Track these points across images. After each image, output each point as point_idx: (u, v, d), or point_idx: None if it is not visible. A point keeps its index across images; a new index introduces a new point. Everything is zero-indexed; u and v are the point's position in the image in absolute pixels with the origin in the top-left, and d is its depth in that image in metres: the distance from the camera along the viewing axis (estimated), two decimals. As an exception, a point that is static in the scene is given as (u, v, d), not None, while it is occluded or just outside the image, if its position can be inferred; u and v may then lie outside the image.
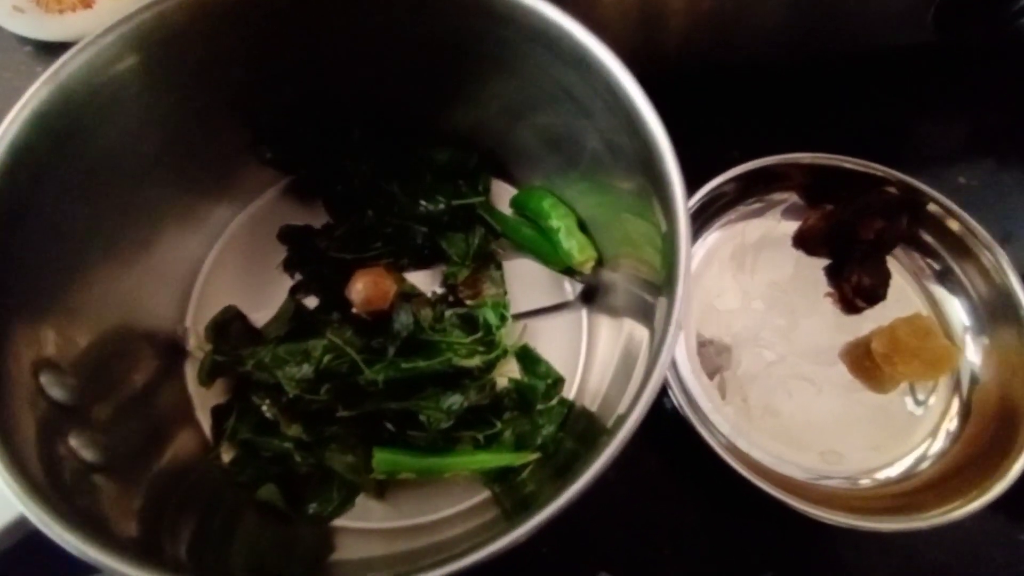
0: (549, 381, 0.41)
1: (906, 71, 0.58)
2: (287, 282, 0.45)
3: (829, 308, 0.51)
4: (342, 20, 0.37)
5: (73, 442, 0.29)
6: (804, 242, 0.52)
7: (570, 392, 0.43)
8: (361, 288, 0.39)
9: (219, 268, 0.45)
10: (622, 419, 0.27)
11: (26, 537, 0.26)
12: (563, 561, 0.44)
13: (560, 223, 0.42)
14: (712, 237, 0.52)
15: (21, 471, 0.25)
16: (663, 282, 0.29)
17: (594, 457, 0.26)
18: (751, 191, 0.52)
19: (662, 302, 0.29)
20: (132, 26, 0.32)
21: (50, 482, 0.27)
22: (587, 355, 0.44)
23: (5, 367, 0.28)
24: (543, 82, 0.36)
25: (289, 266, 0.45)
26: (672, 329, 0.27)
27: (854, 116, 0.58)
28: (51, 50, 0.58)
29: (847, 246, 0.51)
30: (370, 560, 0.36)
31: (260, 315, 0.43)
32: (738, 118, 0.57)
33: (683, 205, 0.29)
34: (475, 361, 0.38)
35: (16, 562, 0.29)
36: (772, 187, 0.52)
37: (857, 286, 0.50)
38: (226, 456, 0.40)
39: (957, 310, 0.49)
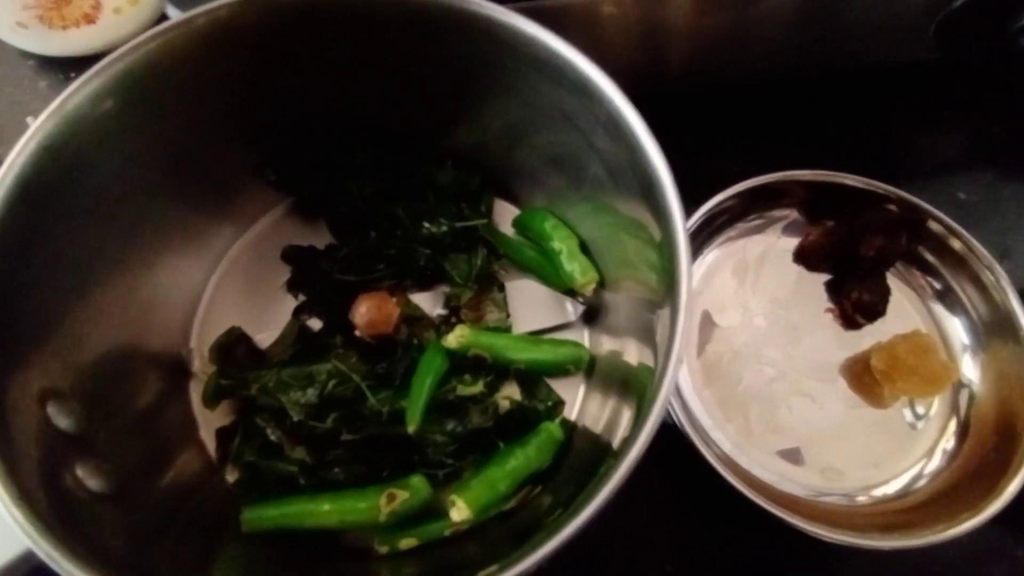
0: (549, 403, 0.42)
1: (907, 88, 0.59)
2: (291, 302, 0.45)
3: (830, 324, 0.51)
4: (346, 44, 0.38)
5: (80, 472, 0.30)
6: (805, 258, 0.53)
7: (571, 413, 0.43)
8: (365, 311, 0.39)
9: (223, 289, 0.46)
10: (628, 441, 0.27)
11: (32, 570, 0.26)
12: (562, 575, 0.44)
13: (562, 245, 0.43)
14: (713, 253, 0.52)
15: (27, 504, 0.26)
16: (663, 306, 0.29)
17: (606, 478, 0.26)
18: (752, 208, 0.52)
19: (663, 326, 0.29)
20: (136, 56, 0.32)
21: (56, 514, 0.27)
22: (589, 376, 0.44)
23: (11, 398, 0.29)
24: (546, 107, 0.37)
25: (293, 287, 0.46)
26: (674, 357, 0.27)
27: (855, 132, 0.58)
28: (54, 65, 0.59)
29: (848, 262, 0.51)
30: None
31: (264, 336, 0.44)
32: (739, 135, 0.57)
33: (683, 232, 0.29)
34: (478, 388, 0.38)
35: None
36: (773, 203, 0.52)
37: (857, 302, 0.50)
38: (230, 477, 0.40)
39: (956, 328, 0.49)
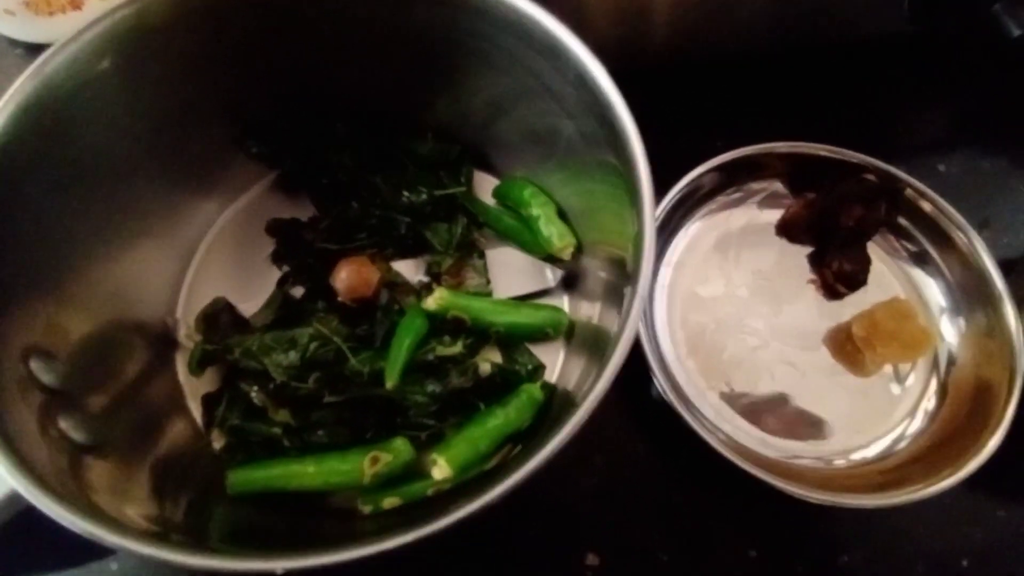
0: (530, 367, 0.42)
1: (888, 62, 0.59)
2: (275, 274, 0.46)
3: (812, 294, 0.51)
4: (323, 15, 0.38)
5: (63, 424, 0.30)
6: (787, 230, 0.53)
7: (552, 376, 0.43)
8: (345, 276, 0.40)
9: (209, 260, 0.46)
10: (584, 396, 0.28)
11: (23, 516, 0.27)
12: (552, 543, 0.44)
13: (540, 211, 0.43)
14: (696, 226, 0.52)
15: (11, 449, 0.26)
16: (632, 269, 0.30)
17: (558, 429, 0.27)
18: (734, 180, 0.53)
19: (629, 288, 0.29)
20: (114, 21, 0.33)
21: (43, 460, 0.27)
22: (568, 340, 0.44)
23: (-5, 350, 0.29)
24: (518, 72, 0.37)
25: (277, 258, 0.46)
26: (635, 309, 0.28)
27: (838, 107, 0.58)
28: (41, 52, 0.59)
29: (828, 233, 0.51)
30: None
31: (249, 306, 0.44)
32: (721, 109, 0.58)
33: (649, 193, 0.30)
34: (457, 348, 0.39)
35: (16, 542, 0.30)
36: (755, 176, 0.53)
37: (838, 272, 0.51)
38: (217, 443, 0.41)
39: (934, 292, 0.50)
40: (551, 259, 0.45)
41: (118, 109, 0.36)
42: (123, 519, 0.29)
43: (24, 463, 0.26)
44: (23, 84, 0.31)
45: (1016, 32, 0.50)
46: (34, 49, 0.59)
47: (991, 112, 0.59)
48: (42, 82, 0.32)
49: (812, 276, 0.52)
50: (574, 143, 0.37)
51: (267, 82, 0.42)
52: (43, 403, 0.31)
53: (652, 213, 0.30)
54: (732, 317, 0.50)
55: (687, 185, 0.49)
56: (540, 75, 0.36)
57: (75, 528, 0.26)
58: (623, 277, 0.33)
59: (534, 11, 0.33)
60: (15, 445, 0.27)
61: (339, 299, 0.41)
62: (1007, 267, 0.47)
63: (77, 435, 0.31)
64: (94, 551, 0.43)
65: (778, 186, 0.53)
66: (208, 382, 0.43)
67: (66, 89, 0.33)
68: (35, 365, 0.31)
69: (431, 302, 0.40)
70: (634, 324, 0.28)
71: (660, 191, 0.48)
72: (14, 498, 0.26)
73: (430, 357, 0.39)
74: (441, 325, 0.41)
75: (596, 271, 0.42)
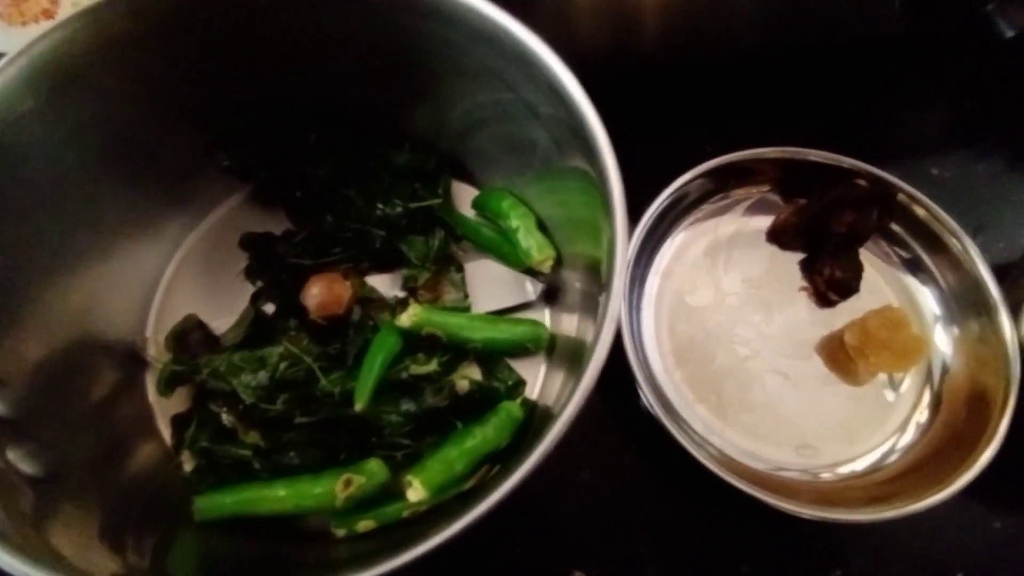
0: (510, 383, 0.41)
1: (880, 65, 0.58)
2: (249, 289, 0.45)
3: (804, 302, 0.50)
4: (292, 20, 0.37)
5: (11, 455, 0.29)
6: (778, 236, 0.52)
7: (533, 392, 0.42)
8: (316, 293, 0.39)
9: (180, 277, 0.45)
10: (561, 410, 0.27)
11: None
12: (538, 560, 0.44)
13: (519, 223, 0.42)
14: (684, 233, 0.51)
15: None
16: (606, 277, 0.29)
17: (535, 447, 0.26)
18: (724, 186, 0.52)
19: (603, 296, 0.28)
20: (70, 31, 0.32)
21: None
22: (550, 355, 0.43)
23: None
24: (493, 82, 0.36)
25: (250, 273, 0.45)
26: (609, 318, 0.27)
27: (828, 109, 0.58)
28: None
29: (820, 240, 0.50)
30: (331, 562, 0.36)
31: (221, 323, 0.43)
32: (710, 113, 0.57)
33: (620, 196, 0.29)
34: (432, 367, 0.38)
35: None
36: (745, 182, 0.52)
37: (830, 279, 0.50)
38: (187, 466, 0.40)
39: (928, 300, 0.49)
40: (531, 272, 0.44)
41: (75, 123, 0.34)
42: (83, 565, 0.28)
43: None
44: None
45: (1009, 33, 0.49)
46: (8, 60, 0.58)
47: (985, 115, 0.58)
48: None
49: (804, 284, 0.51)
50: (550, 153, 0.37)
51: (237, 92, 0.41)
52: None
53: (624, 220, 0.29)
54: (722, 326, 0.49)
55: (675, 191, 0.48)
56: (514, 85, 0.35)
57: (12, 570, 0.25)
58: (597, 287, 0.32)
59: (505, 21, 0.32)
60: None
61: (310, 317, 0.40)
62: (1002, 272, 0.46)
63: (28, 466, 0.30)
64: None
65: (768, 192, 0.52)
66: (179, 402, 0.42)
67: (17, 103, 0.32)
68: (-15, 394, 0.30)
69: (404, 319, 0.39)
70: (608, 335, 0.28)
71: (648, 198, 0.47)
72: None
73: (404, 376, 0.38)
74: (416, 342, 0.40)
75: (576, 283, 0.41)
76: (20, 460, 0.29)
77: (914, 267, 0.50)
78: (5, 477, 0.29)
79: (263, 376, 0.36)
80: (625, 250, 0.28)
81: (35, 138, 0.33)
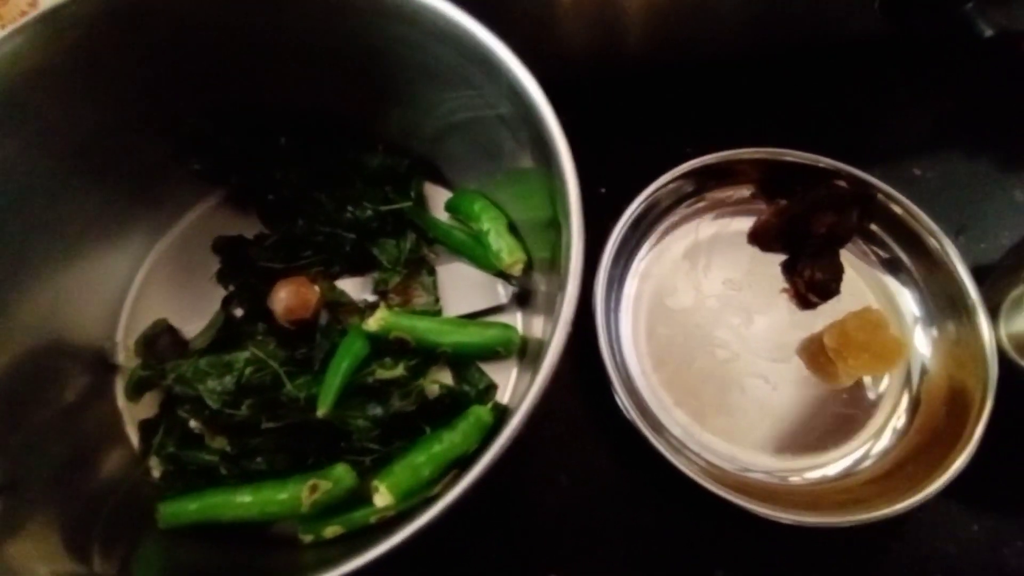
0: (481, 387, 0.41)
1: (861, 64, 0.58)
2: (221, 294, 0.45)
3: (785, 304, 0.50)
4: (257, 23, 0.37)
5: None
6: (758, 238, 0.52)
7: (504, 396, 0.42)
8: (284, 297, 0.39)
9: (152, 282, 0.45)
10: (512, 414, 0.27)
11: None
12: (514, 563, 0.43)
13: (490, 225, 0.42)
14: (663, 235, 0.51)
15: None
16: (562, 273, 0.29)
17: (491, 445, 0.26)
18: (704, 187, 0.52)
19: (559, 299, 0.28)
20: (33, 32, 0.32)
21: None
22: (521, 358, 0.43)
23: None
24: (459, 84, 0.36)
25: (222, 278, 0.45)
26: (564, 316, 0.27)
27: (809, 111, 0.57)
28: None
29: (800, 241, 0.50)
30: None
31: (194, 327, 0.43)
32: (690, 114, 0.57)
33: (576, 199, 0.30)
34: (399, 371, 0.38)
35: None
36: (725, 183, 0.52)
37: (810, 281, 0.49)
38: (155, 471, 0.40)
39: (908, 301, 0.49)
40: (503, 275, 0.44)
41: (37, 124, 0.34)
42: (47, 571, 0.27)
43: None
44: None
45: (988, 32, 0.48)
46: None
47: (967, 115, 0.58)
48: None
49: (784, 286, 0.51)
50: (516, 155, 0.36)
51: (205, 93, 0.41)
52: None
53: (580, 220, 0.29)
54: (701, 329, 0.49)
55: (654, 192, 0.48)
56: (479, 87, 0.35)
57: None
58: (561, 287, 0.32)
59: (465, 21, 0.32)
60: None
61: (278, 321, 0.40)
62: (983, 274, 0.46)
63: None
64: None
65: (749, 193, 0.52)
66: (148, 407, 0.42)
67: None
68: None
69: (372, 323, 0.38)
70: (562, 336, 0.28)
71: (627, 199, 0.47)
72: None
73: (370, 380, 0.38)
74: (384, 346, 0.39)
75: (546, 287, 0.40)
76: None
77: (894, 268, 0.49)
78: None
79: (229, 381, 0.36)
80: (581, 251, 0.28)
81: (21, 113, 0.33)
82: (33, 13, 0.55)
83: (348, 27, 0.36)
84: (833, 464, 0.45)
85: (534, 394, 0.26)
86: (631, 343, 0.48)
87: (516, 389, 0.42)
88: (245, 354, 0.37)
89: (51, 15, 0.31)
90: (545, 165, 0.32)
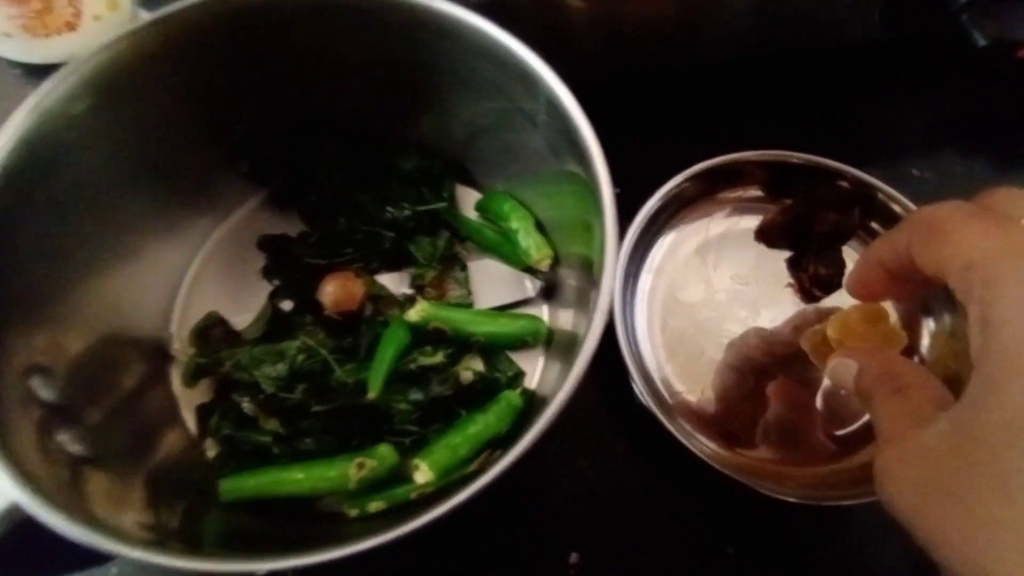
0: (510, 374, 0.44)
1: (862, 69, 0.60)
2: (266, 288, 0.48)
3: (789, 298, 0.52)
4: (309, 41, 0.40)
5: (61, 438, 0.32)
6: (764, 235, 0.54)
7: (531, 383, 0.45)
8: (331, 291, 0.42)
9: (202, 276, 0.48)
10: (551, 399, 0.30)
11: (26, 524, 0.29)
12: (537, 542, 0.46)
13: (519, 224, 0.45)
14: (676, 232, 0.54)
15: (14, 462, 0.28)
16: (596, 274, 0.32)
17: (529, 429, 0.29)
18: (713, 187, 0.54)
19: (595, 292, 0.31)
20: (108, 55, 0.35)
21: (42, 472, 0.29)
22: (548, 348, 0.46)
23: (-3, 370, 0.31)
24: (494, 95, 0.39)
25: (268, 273, 0.48)
26: (599, 312, 0.29)
27: (814, 113, 0.59)
28: (39, 72, 0.60)
29: (805, 239, 0.53)
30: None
31: (241, 319, 0.46)
32: (700, 117, 0.59)
33: (610, 199, 0.32)
34: (439, 358, 0.41)
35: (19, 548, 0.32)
36: (734, 183, 0.54)
37: (814, 276, 0.51)
38: (211, 452, 0.43)
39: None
40: (530, 270, 0.47)
41: (112, 136, 0.37)
42: (120, 527, 0.31)
43: (26, 476, 0.28)
44: (22, 118, 0.33)
45: (982, 42, 0.51)
46: (31, 69, 0.61)
47: (964, 118, 0.60)
48: (39, 115, 0.34)
49: (789, 280, 0.53)
50: (546, 158, 0.39)
51: (254, 104, 0.44)
52: (42, 418, 0.32)
53: (614, 221, 0.32)
54: (711, 321, 0.51)
55: (667, 193, 0.50)
56: (514, 98, 0.38)
57: (74, 537, 0.28)
58: (590, 285, 0.35)
59: (509, 41, 0.35)
60: (18, 459, 0.28)
61: (325, 313, 0.43)
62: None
63: (75, 448, 0.33)
64: (94, 558, 0.45)
65: (756, 193, 0.55)
66: (201, 393, 0.44)
67: (63, 119, 0.34)
68: (34, 382, 0.33)
69: (413, 314, 0.41)
70: (598, 327, 0.30)
71: (641, 199, 0.49)
72: (14, 510, 0.28)
73: (412, 367, 0.41)
74: (423, 336, 0.42)
75: (572, 281, 0.43)
76: (68, 442, 0.32)
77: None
78: (55, 456, 0.32)
79: (282, 368, 0.39)
80: (615, 249, 0.31)
81: (87, 140, 0.36)
82: (89, 25, 0.58)
83: (394, 43, 0.39)
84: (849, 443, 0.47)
85: (572, 379, 0.29)
86: (646, 335, 0.50)
87: (543, 376, 0.45)
88: (296, 343, 0.40)
89: (137, 33, 0.34)
90: (578, 170, 0.34)
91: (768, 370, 0.49)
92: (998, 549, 0.20)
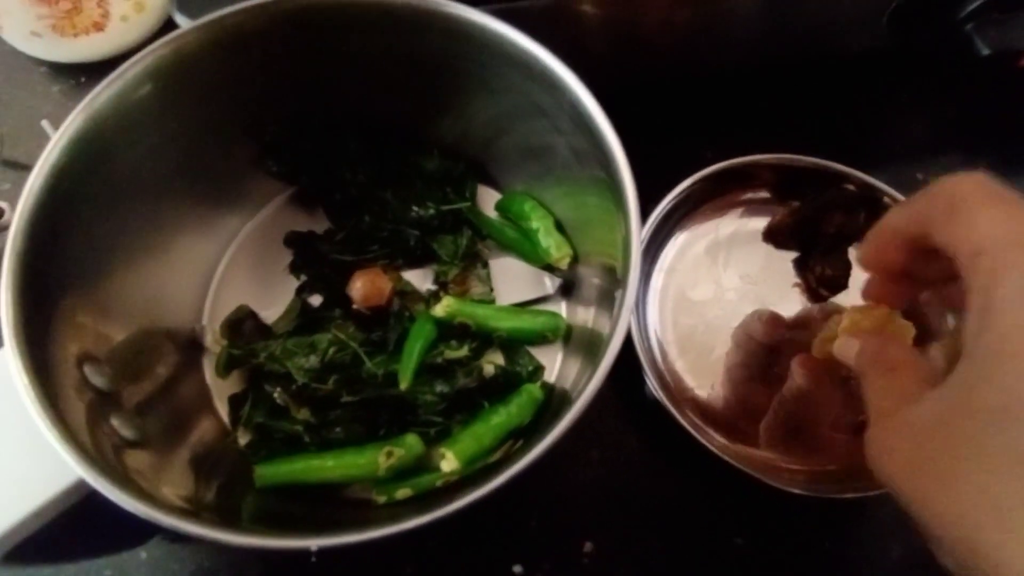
0: (530, 368, 0.46)
1: (869, 76, 0.62)
2: (293, 283, 0.49)
3: (797, 297, 0.54)
4: (339, 45, 0.42)
5: (114, 422, 0.34)
6: (773, 236, 0.56)
7: (551, 377, 0.47)
8: (360, 286, 0.44)
9: (232, 271, 0.50)
10: (580, 393, 0.31)
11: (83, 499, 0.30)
12: (552, 531, 0.47)
13: (539, 224, 0.47)
14: (687, 233, 0.55)
15: (75, 442, 0.30)
16: (621, 274, 0.34)
17: (556, 423, 0.31)
18: (723, 190, 0.55)
19: (619, 292, 0.33)
20: (152, 60, 0.36)
21: (97, 452, 0.31)
22: (566, 344, 0.48)
23: (56, 358, 0.33)
24: (517, 98, 0.41)
25: (295, 268, 0.50)
26: (624, 312, 0.31)
27: (821, 118, 0.61)
28: (65, 71, 0.62)
29: (812, 240, 0.54)
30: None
31: (269, 313, 0.48)
32: (711, 122, 0.60)
33: (635, 204, 0.33)
34: (464, 352, 0.42)
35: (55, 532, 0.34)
36: (743, 186, 0.56)
37: (821, 276, 0.53)
38: (243, 440, 0.44)
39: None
40: (549, 268, 0.49)
41: (153, 137, 0.39)
42: (165, 502, 0.32)
43: (88, 456, 0.30)
44: (75, 118, 0.35)
45: (986, 51, 0.53)
46: (58, 68, 0.62)
47: (967, 124, 0.62)
48: (90, 115, 0.35)
49: (797, 280, 0.55)
50: (568, 161, 0.41)
51: (285, 105, 0.45)
52: (95, 403, 0.34)
53: (638, 223, 0.33)
54: (720, 319, 0.53)
55: (679, 195, 0.52)
56: (538, 101, 0.39)
57: (131, 508, 0.29)
58: (614, 283, 0.36)
59: (534, 48, 0.36)
60: (79, 441, 0.30)
61: (354, 307, 0.45)
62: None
63: (125, 432, 0.35)
64: (126, 541, 0.46)
65: (765, 195, 0.56)
66: (233, 384, 0.46)
67: (111, 121, 0.36)
68: (87, 370, 0.35)
69: (439, 309, 0.43)
70: (624, 325, 0.32)
71: (653, 200, 0.51)
72: (81, 485, 0.29)
73: (439, 360, 0.42)
74: (449, 330, 0.44)
75: (591, 278, 0.45)
76: (121, 427, 0.34)
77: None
78: (106, 439, 0.33)
79: (314, 359, 0.41)
80: (639, 250, 0.32)
81: (137, 134, 0.38)
82: (116, 26, 0.60)
83: (420, 47, 0.40)
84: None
85: (600, 374, 0.31)
86: (658, 332, 0.52)
87: (561, 371, 0.47)
88: (328, 336, 0.42)
89: (171, 42, 0.36)
90: (601, 173, 0.36)
91: (773, 354, 0.50)
92: (984, 521, 0.21)
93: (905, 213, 0.30)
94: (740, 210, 0.56)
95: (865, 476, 0.45)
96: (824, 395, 0.46)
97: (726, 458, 0.44)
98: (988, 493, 0.21)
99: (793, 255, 0.55)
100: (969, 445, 0.22)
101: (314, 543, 0.30)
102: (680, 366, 0.51)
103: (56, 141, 0.34)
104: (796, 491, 0.44)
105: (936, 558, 0.25)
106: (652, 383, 0.46)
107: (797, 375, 0.43)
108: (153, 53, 0.36)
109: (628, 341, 0.47)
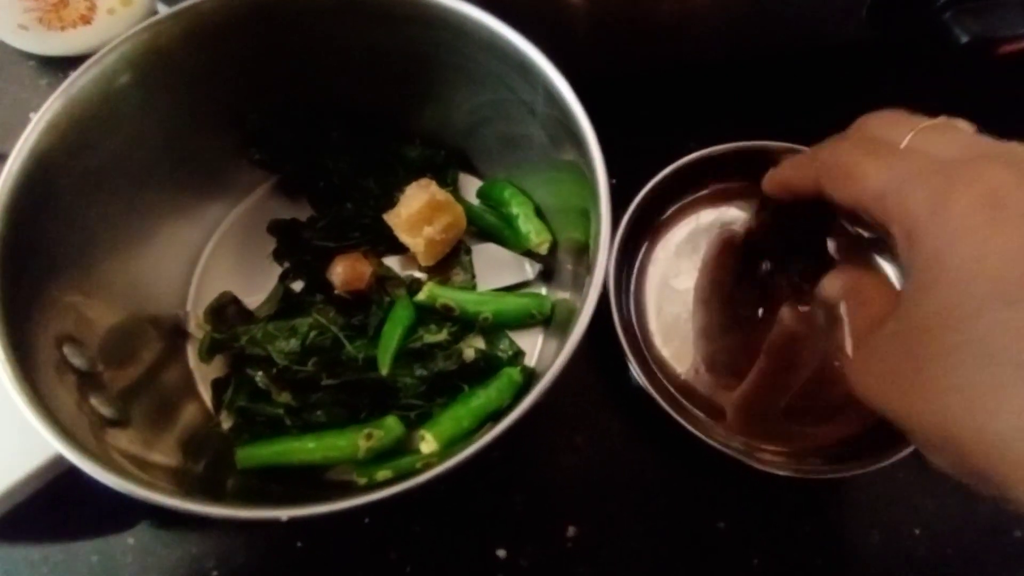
0: (511, 353, 0.46)
1: (848, 66, 0.62)
2: (277, 270, 0.50)
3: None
4: (318, 33, 0.42)
5: (94, 401, 0.35)
6: (755, 245, 0.56)
7: (531, 361, 0.48)
8: (340, 271, 0.44)
9: (215, 258, 0.50)
10: (542, 374, 0.32)
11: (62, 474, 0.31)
12: (535, 515, 0.48)
13: (519, 210, 0.47)
14: (669, 222, 0.55)
15: (54, 420, 0.31)
16: (592, 249, 0.34)
17: (523, 398, 0.31)
18: (704, 178, 0.56)
19: (588, 277, 0.33)
20: (131, 45, 0.37)
21: (77, 429, 0.32)
22: (546, 328, 0.49)
23: (35, 338, 0.34)
24: (495, 86, 0.41)
25: (278, 255, 0.50)
26: (591, 294, 0.32)
27: (802, 108, 0.60)
28: (53, 64, 0.63)
29: (789, 235, 0.54)
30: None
31: (253, 299, 0.48)
32: (694, 112, 0.61)
33: (605, 187, 0.34)
34: (443, 336, 0.43)
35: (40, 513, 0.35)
36: (721, 174, 0.56)
37: (804, 272, 0.53)
38: (226, 423, 0.45)
39: (892, 275, 0.52)
40: (530, 254, 0.49)
41: (134, 123, 0.40)
42: (147, 480, 0.33)
43: (65, 432, 0.30)
44: (52, 103, 0.35)
45: (964, 39, 0.53)
46: (46, 61, 0.63)
47: (948, 113, 0.62)
48: (69, 101, 0.36)
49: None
50: (545, 148, 0.41)
51: (267, 94, 0.46)
52: (76, 383, 0.35)
53: (608, 205, 0.34)
54: (702, 307, 0.53)
55: (659, 183, 0.52)
56: (514, 88, 0.40)
57: (108, 484, 0.30)
58: (586, 268, 0.37)
59: (508, 33, 0.37)
60: (57, 417, 0.31)
61: (335, 292, 0.45)
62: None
63: (105, 411, 0.35)
64: (113, 525, 0.47)
65: (742, 182, 0.56)
66: (216, 368, 0.47)
67: (89, 106, 0.37)
68: (68, 350, 0.35)
69: (420, 293, 0.44)
70: (590, 306, 0.32)
71: (635, 189, 0.51)
72: (57, 461, 0.30)
73: (418, 344, 0.43)
74: (427, 315, 0.45)
75: (568, 265, 0.46)
76: (100, 406, 0.35)
77: (879, 248, 0.54)
78: (88, 417, 0.34)
79: (295, 343, 0.42)
80: (608, 231, 0.33)
81: (116, 121, 0.39)
82: (103, 19, 0.60)
83: (399, 36, 0.41)
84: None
85: (567, 350, 0.31)
86: (642, 321, 0.53)
87: (541, 355, 0.48)
88: (308, 320, 0.43)
89: (149, 28, 0.36)
90: (575, 158, 0.37)
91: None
92: (952, 411, 0.23)
93: (798, 174, 0.36)
94: (719, 199, 0.57)
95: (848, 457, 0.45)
96: (808, 348, 0.48)
97: (708, 440, 0.44)
98: (957, 389, 0.23)
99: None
100: (927, 352, 0.24)
101: (284, 513, 0.30)
102: (665, 353, 0.52)
103: (34, 126, 0.35)
104: (777, 472, 0.44)
105: (929, 464, 0.26)
106: (635, 370, 0.47)
107: (786, 321, 0.46)
108: (130, 40, 0.36)
109: (611, 329, 0.48)
